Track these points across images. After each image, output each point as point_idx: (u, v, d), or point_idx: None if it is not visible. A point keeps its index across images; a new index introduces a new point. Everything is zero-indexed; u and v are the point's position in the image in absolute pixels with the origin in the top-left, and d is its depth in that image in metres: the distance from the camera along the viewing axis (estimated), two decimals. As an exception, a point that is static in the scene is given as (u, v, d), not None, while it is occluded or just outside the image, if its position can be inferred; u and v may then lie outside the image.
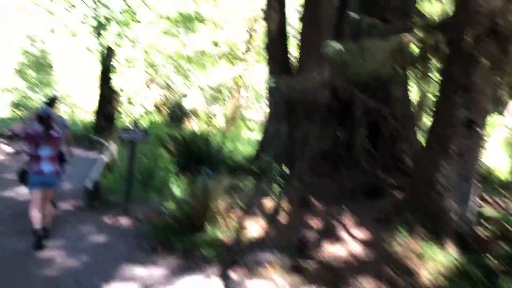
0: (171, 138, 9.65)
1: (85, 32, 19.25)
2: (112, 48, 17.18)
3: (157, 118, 25.23)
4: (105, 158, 9.69)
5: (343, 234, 5.38)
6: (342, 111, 6.87)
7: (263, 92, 30.45)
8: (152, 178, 8.14)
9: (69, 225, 5.94)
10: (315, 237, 5.27)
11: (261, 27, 24.73)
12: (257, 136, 19.52)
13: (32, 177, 5.07)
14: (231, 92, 24.19)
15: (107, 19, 17.74)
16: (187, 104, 25.53)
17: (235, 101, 23.47)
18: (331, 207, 5.85)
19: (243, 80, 23.79)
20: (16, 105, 33.13)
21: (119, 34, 19.62)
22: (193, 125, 23.55)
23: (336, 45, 5.54)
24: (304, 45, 7.24)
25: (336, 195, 6.09)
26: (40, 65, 34.12)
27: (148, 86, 29.23)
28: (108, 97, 16.77)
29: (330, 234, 5.37)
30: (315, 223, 5.59)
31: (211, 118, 24.26)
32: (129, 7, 17.93)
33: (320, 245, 5.16)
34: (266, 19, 7.63)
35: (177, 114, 23.02)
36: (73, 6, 18.41)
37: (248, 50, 23.47)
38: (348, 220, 5.63)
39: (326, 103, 6.72)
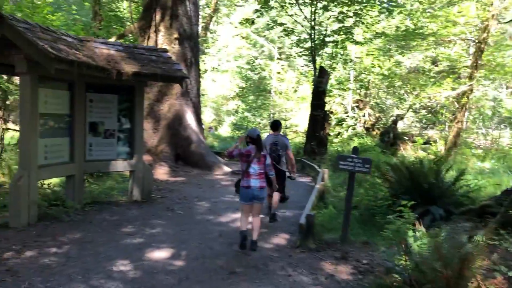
0: (391, 167, 8.26)
1: (299, 56, 19.42)
2: (325, 69, 16.75)
3: (367, 141, 24.02)
4: (318, 186, 8.92)
5: None
6: None
7: (492, 113, 26.37)
8: (373, 217, 6.95)
9: (280, 267, 5.15)
10: None
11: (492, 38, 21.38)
12: (487, 166, 16.47)
13: (241, 191, 5.70)
14: (453, 114, 21.30)
15: (322, 41, 17.51)
16: (400, 127, 23.66)
17: (457, 124, 20.53)
18: None
19: (468, 100, 20.72)
20: (236, 126, 36.33)
21: (332, 56, 19.31)
22: (408, 151, 21.52)
23: None
24: None
25: None
26: (258, 89, 36.73)
27: (358, 107, 28.33)
28: (319, 119, 16.32)
29: None
30: None
31: (429, 143, 21.79)
32: (345, 27, 17.38)
33: None
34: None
35: (389, 137, 21.37)
36: (292, 31, 18.78)
37: (475, 65, 20.37)
38: None
39: None
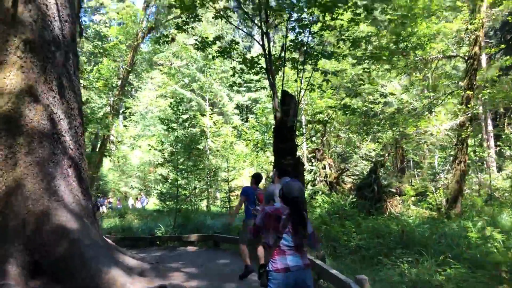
0: None
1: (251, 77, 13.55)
2: (289, 94, 10.99)
3: (335, 199, 18.17)
4: None
5: None
6: None
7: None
8: None
9: None
10: None
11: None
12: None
13: (275, 279, 3.36)
14: (455, 156, 16.05)
15: (279, 58, 11.86)
16: (385, 179, 18.15)
17: (460, 165, 15.38)
18: None
19: (470, 133, 15.76)
20: (166, 195, 29.33)
21: (295, 80, 13.66)
22: (397, 208, 15.92)
23: None
24: None
25: None
26: (189, 149, 30.38)
27: (315, 158, 22.81)
28: (289, 171, 10.23)
29: None
30: None
31: (425, 194, 16.38)
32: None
33: None
34: None
35: (372, 191, 15.73)
36: (235, 43, 12.82)
37: (470, 86, 15.67)
38: None
39: None
